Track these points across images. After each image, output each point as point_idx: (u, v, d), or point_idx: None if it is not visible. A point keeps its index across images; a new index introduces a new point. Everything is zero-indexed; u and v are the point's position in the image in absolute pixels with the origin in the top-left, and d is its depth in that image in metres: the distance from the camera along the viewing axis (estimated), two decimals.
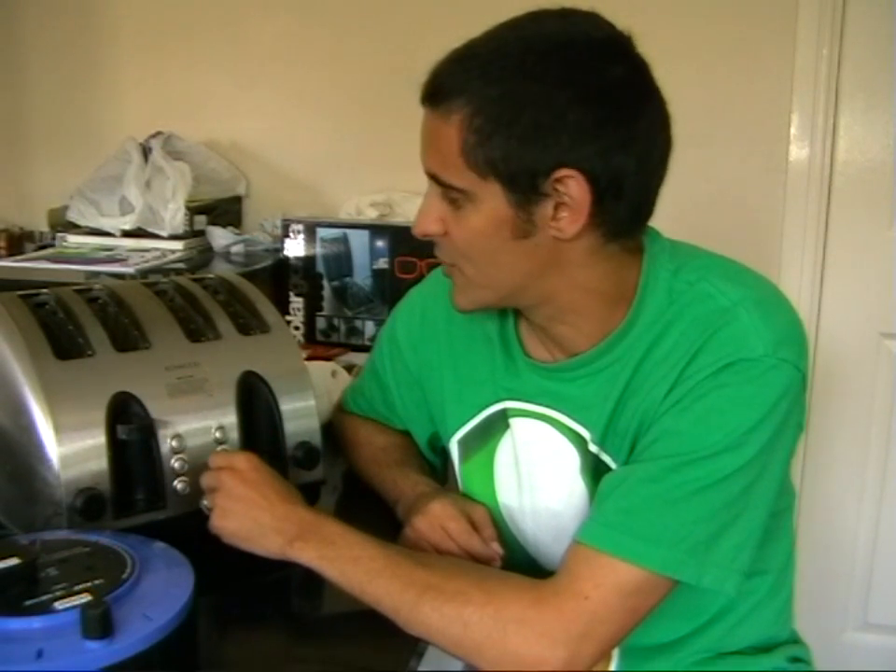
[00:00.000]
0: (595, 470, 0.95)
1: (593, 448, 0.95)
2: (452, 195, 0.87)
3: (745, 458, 0.84)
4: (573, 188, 0.83)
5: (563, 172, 0.82)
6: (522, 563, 1.04)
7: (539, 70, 0.81)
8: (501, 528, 1.03)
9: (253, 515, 0.89)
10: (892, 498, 2.07)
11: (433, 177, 0.88)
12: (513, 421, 1.01)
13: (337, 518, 0.91)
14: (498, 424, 1.03)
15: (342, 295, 1.95)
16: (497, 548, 0.97)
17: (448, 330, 1.07)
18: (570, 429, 0.96)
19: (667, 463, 0.85)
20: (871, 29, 1.90)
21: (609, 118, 0.82)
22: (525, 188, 0.84)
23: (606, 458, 0.94)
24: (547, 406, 0.98)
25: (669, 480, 0.84)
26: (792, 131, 1.96)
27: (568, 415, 0.96)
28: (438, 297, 1.09)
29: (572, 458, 0.97)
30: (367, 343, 1.93)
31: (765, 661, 1.03)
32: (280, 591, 0.99)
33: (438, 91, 0.85)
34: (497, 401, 1.02)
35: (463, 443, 1.07)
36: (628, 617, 0.83)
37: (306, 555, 0.87)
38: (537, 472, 1.01)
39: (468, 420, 1.05)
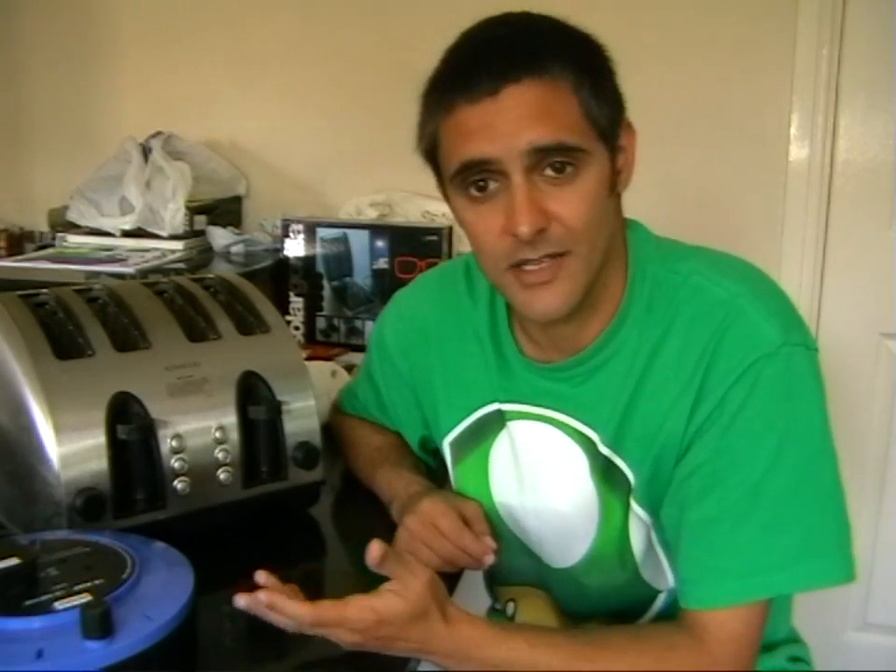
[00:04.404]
0: (605, 472, 0.94)
1: (604, 450, 0.94)
2: (569, 166, 0.83)
3: (808, 448, 0.85)
4: (630, 136, 0.90)
5: (626, 121, 0.89)
6: (524, 559, 1.05)
7: (587, 38, 0.88)
8: (499, 527, 1.03)
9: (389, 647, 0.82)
10: (892, 499, 2.07)
11: (549, 150, 0.82)
12: (512, 424, 1.01)
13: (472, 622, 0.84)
14: (493, 425, 1.02)
15: (342, 295, 1.95)
16: (489, 542, 0.97)
17: (438, 333, 1.07)
18: (576, 431, 0.96)
19: (742, 489, 0.84)
20: (871, 29, 1.90)
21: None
22: (613, 140, 0.88)
23: (618, 462, 0.93)
24: (548, 408, 0.97)
25: (754, 503, 0.84)
26: (792, 131, 1.96)
27: (573, 416, 0.96)
28: (426, 300, 1.10)
29: (580, 460, 0.96)
30: (367, 343, 1.92)
31: (766, 660, 1.03)
32: None
33: (535, 62, 0.82)
34: (491, 402, 1.02)
35: (455, 445, 1.06)
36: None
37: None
38: (539, 473, 1.00)
39: (459, 422, 1.05)
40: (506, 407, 1.01)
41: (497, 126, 0.82)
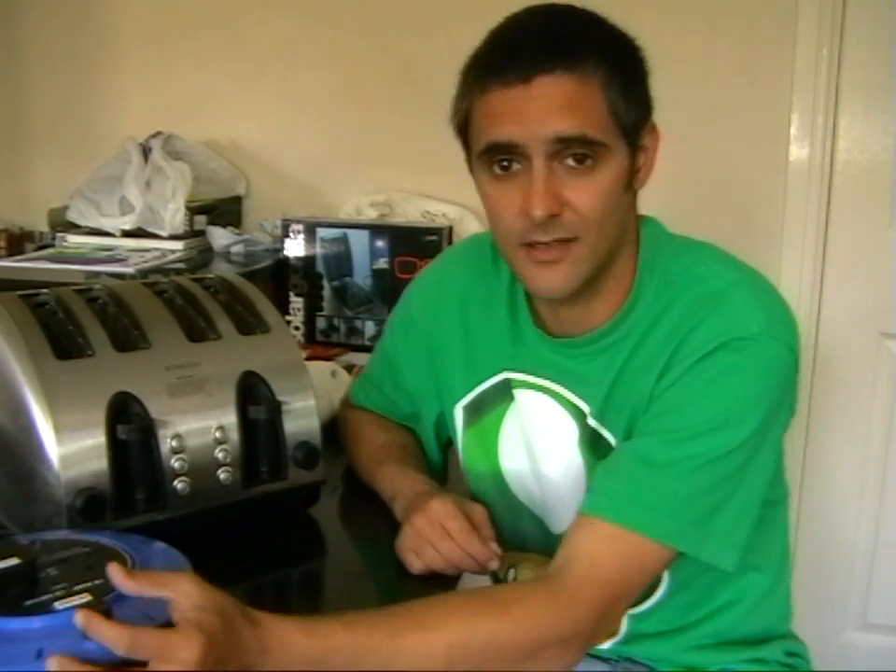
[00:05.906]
0: (592, 444, 0.98)
1: (592, 422, 0.98)
2: (588, 158, 0.87)
3: (744, 434, 0.88)
4: (654, 137, 0.93)
5: (651, 122, 0.93)
6: (529, 524, 1.08)
7: (625, 38, 0.92)
8: (505, 492, 1.07)
9: None
10: (892, 498, 2.07)
11: (572, 140, 0.86)
12: (517, 392, 1.04)
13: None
14: (503, 394, 1.05)
15: (342, 295, 1.95)
16: (495, 548, 0.98)
17: (465, 296, 1.10)
18: (570, 402, 1.00)
19: (670, 438, 0.88)
20: (871, 29, 1.90)
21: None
22: (634, 140, 0.91)
23: (605, 433, 0.97)
24: (548, 379, 1.01)
25: (672, 455, 0.88)
26: (792, 131, 1.96)
27: (569, 389, 1.00)
28: (455, 265, 1.14)
29: (571, 431, 1.00)
30: (367, 343, 1.93)
31: (763, 651, 1.05)
32: (280, 591, 0.99)
33: (569, 57, 0.86)
34: (502, 371, 1.05)
35: (468, 409, 1.09)
36: (638, 590, 0.89)
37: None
38: (539, 441, 1.04)
39: (473, 387, 1.08)
40: (512, 376, 1.04)
41: (526, 112, 0.86)
